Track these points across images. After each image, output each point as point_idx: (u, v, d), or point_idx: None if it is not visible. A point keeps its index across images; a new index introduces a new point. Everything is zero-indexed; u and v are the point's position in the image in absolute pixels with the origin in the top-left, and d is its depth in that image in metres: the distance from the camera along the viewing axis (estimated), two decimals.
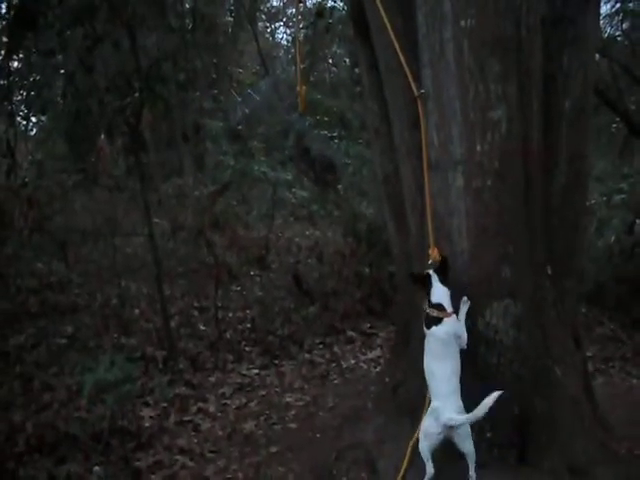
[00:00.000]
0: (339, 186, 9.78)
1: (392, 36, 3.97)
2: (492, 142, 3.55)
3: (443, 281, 3.50)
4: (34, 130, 13.94)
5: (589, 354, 5.15)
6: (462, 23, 3.51)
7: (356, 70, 12.45)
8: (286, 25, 22.98)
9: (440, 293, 3.49)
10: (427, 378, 3.54)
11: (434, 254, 3.72)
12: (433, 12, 3.62)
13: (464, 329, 3.52)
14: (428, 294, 3.51)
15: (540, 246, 3.91)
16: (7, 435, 4.59)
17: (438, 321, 3.47)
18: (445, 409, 3.37)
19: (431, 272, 3.51)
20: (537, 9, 3.75)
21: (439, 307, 3.47)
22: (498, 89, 3.52)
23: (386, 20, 4.00)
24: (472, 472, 3.41)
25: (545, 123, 3.89)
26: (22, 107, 11.14)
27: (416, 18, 3.78)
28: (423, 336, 3.69)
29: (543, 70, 3.84)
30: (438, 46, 3.61)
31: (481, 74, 3.51)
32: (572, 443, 3.82)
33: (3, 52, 8.64)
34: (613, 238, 8.45)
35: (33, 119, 12.82)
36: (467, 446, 3.43)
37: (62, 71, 9.13)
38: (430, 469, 3.43)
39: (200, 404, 5.63)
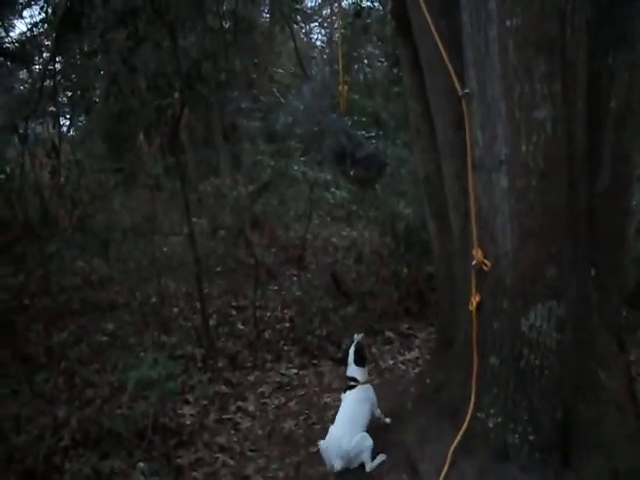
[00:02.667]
0: (377, 186, 9.74)
1: (435, 35, 3.95)
2: (537, 142, 3.52)
3: (358, 362, 4.67)
4: (72, 131, 14.13)
5: (632, 358, 5.06)
6: (507, 23, 3.48)
7: (394, 70, 12.41)
8: (321, 26, 23.05)
9: (353, 370, 4.67)
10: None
11: (478, 255, 3.72)
12: (478, 11, 3.60)
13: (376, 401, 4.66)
14: (346, 368, 4.75)
15: (584, 247, 3.87)
16: (53, 430, 4.66)
17: (352, 387, 4.63)
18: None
19: (351, 352, 4.70)
20: (582, 8, 3.70)
21: (353, 379, 4.65)
22: (543, 89, 3.49)
23: (429, 19, 3.98)
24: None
25: (590, 123, 3.85)
26: (65, 108, 11.30)
27: (460, 17, 3.76)
28: (465, 338, 3.80)
29: (588, 70, 3.80)
30: (483, 45, 3.59)
31: (526, 74, 3.48)
32: (616, 448, 3.77)
33: (48, 54, 8.78)
34: None
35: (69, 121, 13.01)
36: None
37: (103, 72, 9.29)
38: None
39: (239, 403, 5.67)
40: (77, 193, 8.24)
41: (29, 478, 4.25)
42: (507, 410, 3.75)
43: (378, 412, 4.69)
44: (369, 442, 4.26)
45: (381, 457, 4.27)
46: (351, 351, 4.72)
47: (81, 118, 13.13)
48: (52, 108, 9.66)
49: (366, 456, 4.23)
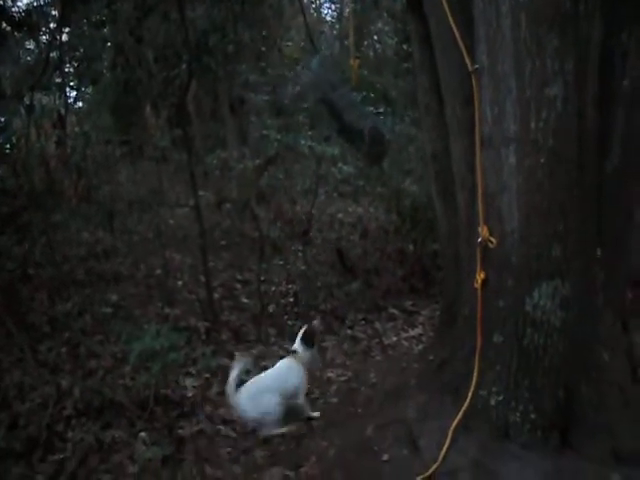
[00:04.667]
0: (384, 163, 9.70)
1: (446, 10, 3.90)
2: (547, 120, 3.48)
3: (304, 340, 4.83)
4: (79, 102, 14.07)
5: (638, 340, 5.05)
6: None
7: (404, 47, 12.31)
8: (331, 0, 22.83)
9: (297, 344, 4.83)
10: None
11: (484, 232, 3.70)
12: None
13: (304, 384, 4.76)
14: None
15: (591, 228, 3.84)
16: (56, 398, 4.70)
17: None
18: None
19: (301, 331, 4.89)
20: None
21: (294, 351, 4.84)
22: (555, 65, 3.44)
23: None
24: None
25: (601, 102, 3.79)
26: (71, 79, 11.22)
27: None
28: (469, 315, 3.80)
29: (601, 47, 3.74)
30: (494, 20, 3.54)
31: (538, 50, 3.43)
32: (617, 429, 3.77)
33: (55, 24, 8.72)
34: None
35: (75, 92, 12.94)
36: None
37: (111, 43, 9.23)
38: None
39: (242, 376, 5.68)
40: (83, 164, 8.23)
41: (32, 445, 4.30)
42: (509, 388, 3.75)
43: (302, 398, 4.74)
44: (278, 414, 4.50)
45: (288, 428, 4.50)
46: (301, 330, 4.93)
47: (88, 89, 13.05)
48: (58, 79, 9.60)
49: (271, 422, 4.48)
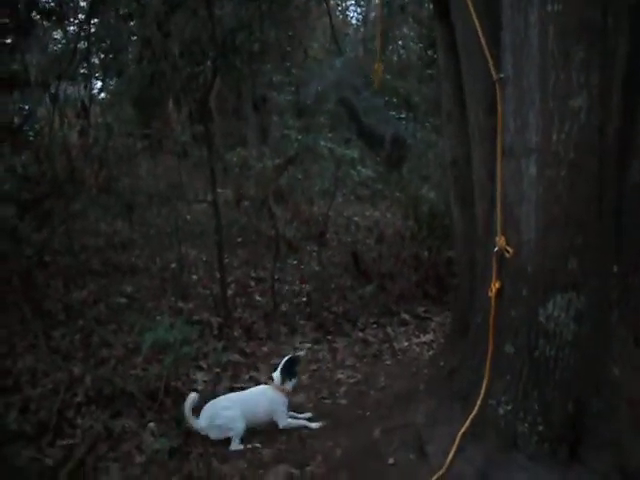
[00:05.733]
0: (403, 168, 9.71)
1: (474, 17, 3.90)
2: (570, 132, 3.47)
3: (284, 371, 4.79)
4: (103, 93, 14.16)
5: None
6: (549, 7, 3.41)
7: (428, 53, 12.30)
8: (357, 4, 22.83)
9: (276, 375, 4.80)
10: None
11: (501, 242, 3.70)
12: None
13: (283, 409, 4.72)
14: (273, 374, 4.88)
15: (609, 242, 3.82)
16: (67, 385, 4.75)
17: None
18: None
19: (283, 361, 4.87)
20: None
21: (270, 378, 4.87)
22: (580, 77, 3.43)
23: (468, 0, 3.94)
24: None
25: (624, 116, 3.78)
26: (97, 70, 11.30)
27: (500, 0, 3.71)
28: (481, 324, 3.82)
29: (626, 61, 3.73)
30: (522, 30, 3.53)
31: (564, 61, 3.43)
32: (626, 445, 3.76)
33: (83, 15, 8.79)
34: None
35: (99, 83, 13.02)
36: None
37: (138, 36, 9.28)
38: None
39: (252, 372, 5.73)
40: (104, 155, 8.29)
41: (43, 429, 4.34)
42: (518, 399, 3.74)
43: (285, 422, 4.72)
44: (240, 424, 4.49)
45: (254, 445, 4.48)
46: (283, 360, 4.92)
47: (112, 81, 13.13)
48: (84, 69, 9.68)
49: (235, 433, 4.47)
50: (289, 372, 4.81)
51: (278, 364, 4.91)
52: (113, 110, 13.23)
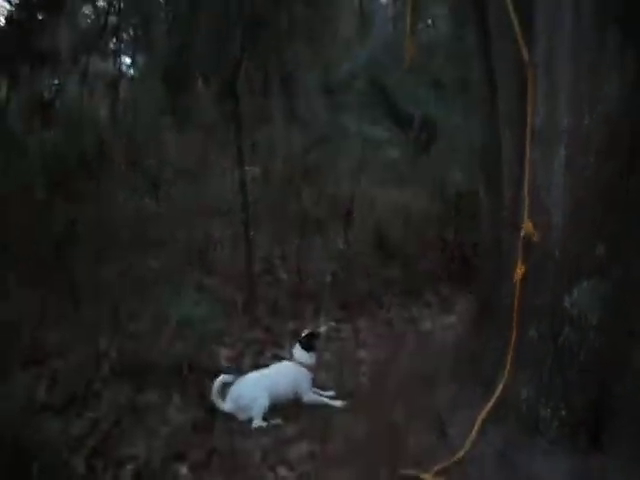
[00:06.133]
0: (432, 150, 9.67)
1: None
2: (600, 116, 3.45)
3: (304, 345, 4.85)
4: (132, 70, 14.21)
5: None
6: None
7: (458, 33, 12.16)
8: None
9: (297, 349, 4.87)
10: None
11: (527, 226, 3.69)
12: None
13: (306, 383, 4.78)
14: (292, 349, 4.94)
15: (635, 228, 3.79)
16: (95, 358, 4.82)
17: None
18: None
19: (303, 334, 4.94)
20: None
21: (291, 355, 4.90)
22: (613, 62, 3.40)
23: None
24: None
25: None
26: (126, 45, 11.35)
27: None
28: (506, 308, 3.81)
29: None
30: (555, 12, 3.50)
31: (597, 44, 3.39)
32: None
33: None
34: None
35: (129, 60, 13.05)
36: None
37: (167, 11, 9.29)
38: None
39: (276, 350, 5.76)
40: (133, 130, 8.33)
41: (70, 401, 4.43)
42: (541, 384, 3.75)
43: (309, 396, 4.77)
44: (263, 401, 4.48)
45: (276, 421, 4.47)
46: (302, 335, 4.97)
47: (141, 57, 13.17)
48: (114, 45, 9.73)
49: (256, 412, 4.45)
50: (308, 346, 4.85)
51: (298, 340, 4.95)
52: (142, 86, 13.27)
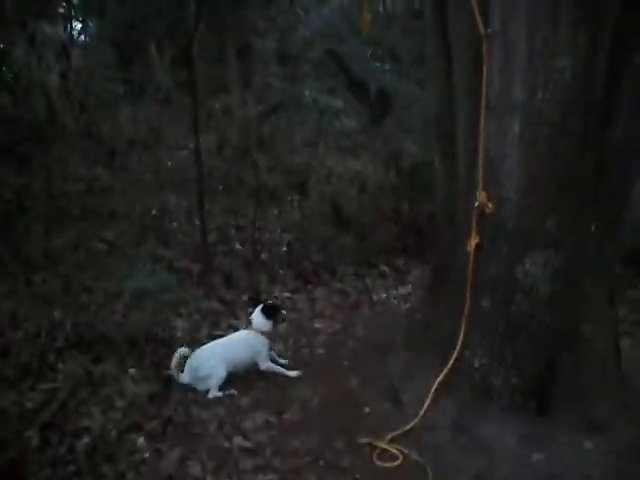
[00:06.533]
0: (387, 120, 9.67)
1: None
2: (554, 91, 3.49)
3: (267, 315, 4.83)
4: (83, 36, 13.86)
5: (619, 315, 5.14)
6: None
7: (415, 4, 12.15)
8: None
9: (256, 314, 4.86)
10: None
11: (481, 197, 3.74)
12: None
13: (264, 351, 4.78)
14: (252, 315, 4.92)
15: (588, 202, 3.88)
16: (48, 330, 4.77)
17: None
18: None
19: (259, 308, 4.90)
20: None
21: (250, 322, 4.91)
22: (567, 37, 3.44)
23: None
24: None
25: (610, 76, 3.79)
26: (77, 11, 11.06)
27: None
28: (459, 278, 3.89)
29: (616, 21, 3.72)
30: None
31: (552, 19, 3.42)
32: (594, 400, 3.87)
33: None
34: None
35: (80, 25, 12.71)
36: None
37: None
38: None
39: (231, 320, 5.77)
40: (85, 99, 8.16)
41: (24, 373, 4.37)
42: (493, 352, 3.84)
43: (266, 364, 4.79)
44: (220, 372, 4.50)
45: (231, 392, 4.48)
46: (261, 305, 4.98)
47: (93, 23, 12.84)
48: (64, 9, 9.46)
49: (213, 383, 4.47)
50: (269, 314, 4.86)
51: (261, 302, 5.01)
52: (94, 53, 12.97)
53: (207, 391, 4.47)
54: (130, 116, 10.12)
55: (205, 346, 4.75)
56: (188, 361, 4.58)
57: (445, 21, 4.38)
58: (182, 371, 4.56)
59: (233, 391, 4.48)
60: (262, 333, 4.81)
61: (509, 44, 3.60)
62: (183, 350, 4.60)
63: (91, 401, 4.18)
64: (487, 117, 3.76)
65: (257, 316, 4.86)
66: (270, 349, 4.86)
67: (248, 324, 4.95)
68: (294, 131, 10.13)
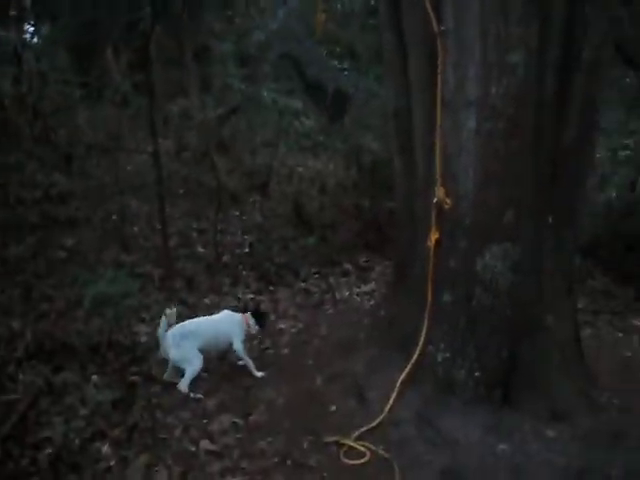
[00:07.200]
0: (345, 118, 9.70)
1: None
2: (508, 86, 3.55)
3: (257, 319, 4.87)
4: (35, 39, 13.61)
5: (579, 306, 5.22)
6: None
7: (371, 1, 12.18)
8: None
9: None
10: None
11: (439, 193, 3.77)
12: None
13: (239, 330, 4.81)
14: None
15: (544, 195, 3.94)
16: (7, 340, 4.70)
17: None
18: None
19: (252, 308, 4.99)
20: None
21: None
22: (519, 33, 3.50)
23: None
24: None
25: (562, 72, 3.86)
26: (29, 13, 10.84)
27: None
28: (420, 274, 3.91)
29: (564, 18, 3.79)
30: None
31: (503, 16, 3.48)
32: (556, 389, 3.95)
33: None
34: (614, 194, 8.48)
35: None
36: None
37: None
38: None
39: None
40: (40, 104, 8.04)
41: None
42: (456, 346, 3.88)
43: (240, 345, 4.79)
44: (197, 362, 4.51)
45: (197, 396, 4.43)
46: (259, 310, 5.02)
47: (46, 26, 12.63)
48: (15, 12, 9.28)
49: (188, 374, 4.47)
50: (259, 321, 4.91)
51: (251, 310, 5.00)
52: (48, 57, 12.76)
53: (172, 393, 4.44)
54: (87, 120, 9.99)
55: (190, 321, 4.77)
56: (172, 332, 4.54)
57: (400, 18, 4.40)
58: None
59: (200, 395, 4.45)
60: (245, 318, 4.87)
61: (462, 40, 3.64)
62: (171, 311, 4.62)
63: (53, 411, 4.11)
64: (443, 113, 3.80)
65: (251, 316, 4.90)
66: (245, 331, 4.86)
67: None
68: (254, 133, 10.11)
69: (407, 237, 4.70)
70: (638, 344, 5.82)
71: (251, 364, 4.78)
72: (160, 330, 4.52)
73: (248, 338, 4.95)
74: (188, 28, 11.49)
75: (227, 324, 4.80)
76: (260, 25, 10.65)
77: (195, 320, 4.84)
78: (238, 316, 4.86)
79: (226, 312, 4.96)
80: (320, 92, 9.37)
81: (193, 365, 4.49)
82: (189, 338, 4.53)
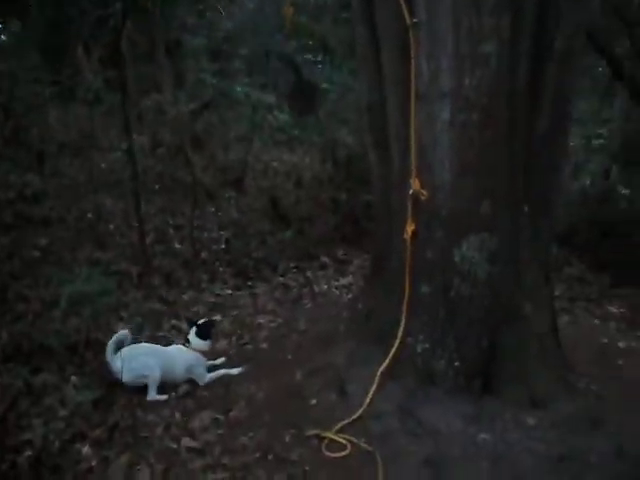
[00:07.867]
0: (320, 112, 9.70)
1: None
2: (481, 77, 3.56)
3: (199, 334, 4.75)
4: (4, 36, 13.43)
5: (556, 293, 5.27)
6: None
7: None
8: None
9: (192, 336, 4.76)
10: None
11: (415, 185, 3.79)
12: None
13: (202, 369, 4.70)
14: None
15: (519, 184, 3.97)
16: None
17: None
18: None
19: (194, 329, 4.78)
20: None
21: (187, 340, 4.78)
22: (491, 23, 3.51)
23: None
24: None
25: (535, 62, 3.88)
26: None
27: None
28: (398, 266, 3.92)
29: (537, 8, 3.81)
30: None
31: (475, 7, 3.49)
32: (535, 377, 3.98)
33: None
34: (589, 182, 8.58)
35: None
36: None
37: None
38: None
39: (173, 321, 5.73)
40: (10, 104, 7.95)
41: None
42: (435, 337, 3.90)
43: (206, 379, 4.68)
44: (156, 373, 4.43)
45: (163, 397, 4.43)
46: (198, 323, 4.85)
47: (14, 25, 12.48)
48: None
49: (150, 382, 4.43)
50: (204, 334, 4.78)
51: (195, 323, 4.86)
52: (17, 55, 12.60)
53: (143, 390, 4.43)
54: (60, 119, 9.90)
55: (144, 343, 4.72)
56: (124, 349, 4.48)
57: (372, 11, 4.39)
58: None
59: (180, 393, 4.44)
60: (198, 351, 4.75)
61: (435, 32, 3.65)
62: (122, 333, 4.57)
63: (32, 413, 4.06)
64: (417, 105, 3.81)
65: (193, 338, 4.76)
66: (206, 365, 4.79)
67: (186, 342, 4.81)
68: (228, 127, 10.07)
69: (384, 230, 4.70)
70: (614, 330, 5.89)
71: (222, 371, 4.77)
72: (107, 353, 4.47)
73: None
74: (160, 23, 11.43)
75: (183, 361, 4.66)
76: (228, 14, 10.61)
77: (151, 345, 4.75)
78: (194, 354, 4.71)
79: (180, 348, 4.79)
80: (292, 86, 9.35)
81: (153, 372, 4.44)
82: (142, 356, 4.48)
